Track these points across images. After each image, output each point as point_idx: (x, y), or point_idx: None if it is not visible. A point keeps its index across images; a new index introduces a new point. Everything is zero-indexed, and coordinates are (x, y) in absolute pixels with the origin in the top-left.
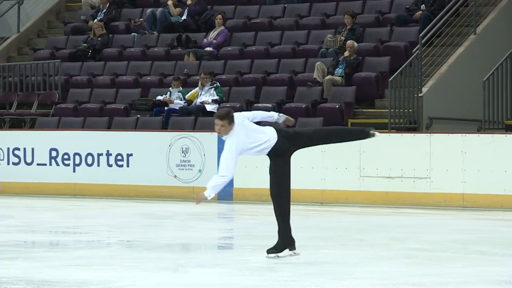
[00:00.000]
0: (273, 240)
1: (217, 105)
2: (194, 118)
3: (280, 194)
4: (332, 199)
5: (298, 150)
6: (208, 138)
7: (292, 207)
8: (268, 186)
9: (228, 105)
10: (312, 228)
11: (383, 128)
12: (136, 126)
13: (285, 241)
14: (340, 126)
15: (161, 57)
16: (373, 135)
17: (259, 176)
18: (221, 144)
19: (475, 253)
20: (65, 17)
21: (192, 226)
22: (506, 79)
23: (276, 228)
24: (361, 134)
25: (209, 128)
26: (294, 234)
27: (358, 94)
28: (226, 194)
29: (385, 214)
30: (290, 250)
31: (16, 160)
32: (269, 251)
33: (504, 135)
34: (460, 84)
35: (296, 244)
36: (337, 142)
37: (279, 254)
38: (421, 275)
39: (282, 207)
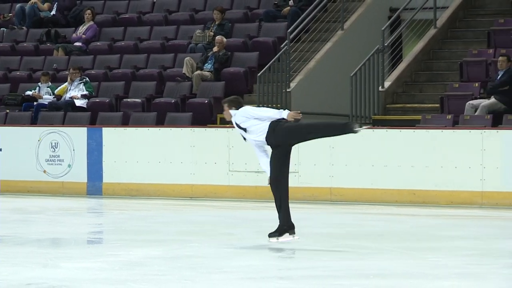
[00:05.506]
0: (143, 234)
1: (86, 100)
2: (64, 113)
3: (278, 182)
4: (201, 193)
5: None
6: (78, 133)
7: (161, 202)
8: (139, 181)
9: (97, 100)
10: (181, 223)
11: None
12: (5, 121)
13: (285, 226)
14: (327, 121)
15: (30, 52)
16: (357, 131)
17: (129, 170)
18: (90, 139)
19: (343, 246)
20: None
21: (61, 221)
22: (373, 74)
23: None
24: (344, 129)
25: (79, 123)
26: (164, 228)
27: (227, 89)
28: (96, 189)
29: (254, 208)
30: (290, 234)
31: None
32: (271, 235)
33: (372, 130)
34: (328, 79)
35: (165, 238)
36: (322, 137)
37: (279, 238)
38: (290, 268)
39: (281, 194)
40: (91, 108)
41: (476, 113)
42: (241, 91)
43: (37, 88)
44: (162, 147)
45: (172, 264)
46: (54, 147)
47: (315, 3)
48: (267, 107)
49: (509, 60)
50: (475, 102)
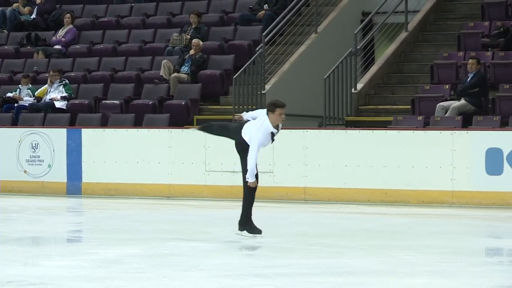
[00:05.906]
0: (122, 233)
1: (66, 102)
2: (44, 115)
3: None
4: (178, 193)
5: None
6: (57, 134)
7: (139, 201)
8: (118, 181)
9: (76, 101)
10: (159, 222)
11: None
12: None
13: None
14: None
15: (11, 55)
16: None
17: (107, 170)
18: (70, 140)
19: (317, 245)
20: None
21: (41, 220)
22: (346, 77)
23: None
24: None
25: (58, 124)
26: (142, 227)
27: (203, 91)
28: (75, 188)
29: (230, 208)
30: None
31: None
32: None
33: (344, 130)
34: (302, 81)
35: (143, 236)
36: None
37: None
38: (264, 266)
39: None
40: (70, 110)
41: (446, 115)
42: (217, 93)
43: (18, 90)
44: (140, 147)
45: (150, 262)
46: (34, 147)
47: (289, 7)
48: (248, 109)
49: (479, 63)
50: (445, 103)
